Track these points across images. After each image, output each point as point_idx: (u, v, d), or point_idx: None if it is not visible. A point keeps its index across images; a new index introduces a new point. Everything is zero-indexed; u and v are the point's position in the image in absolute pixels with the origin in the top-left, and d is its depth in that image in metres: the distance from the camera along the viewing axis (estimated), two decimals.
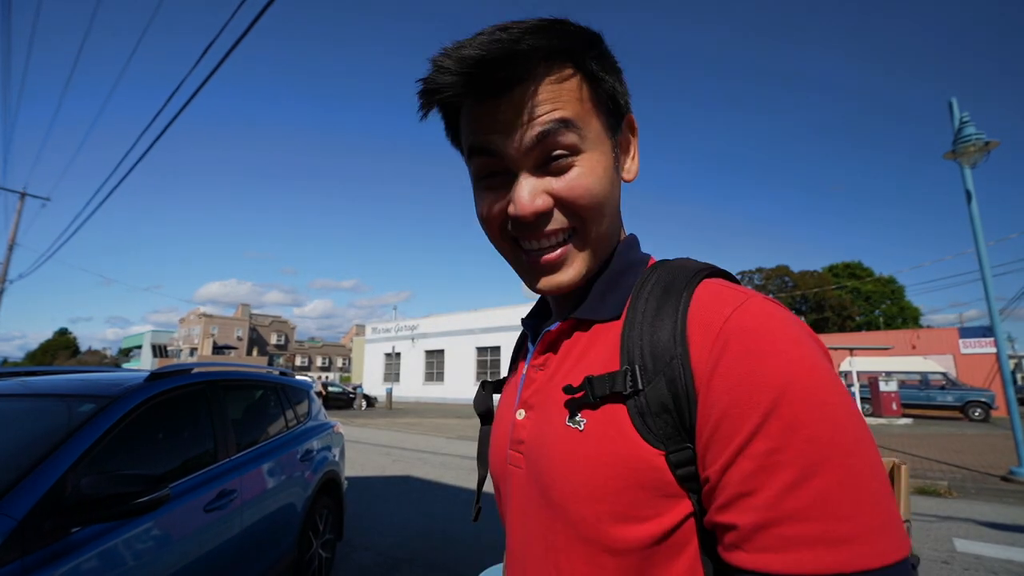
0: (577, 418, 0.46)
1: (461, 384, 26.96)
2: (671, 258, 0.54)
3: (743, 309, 0.41)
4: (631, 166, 0.54)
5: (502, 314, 25.86)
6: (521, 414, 0.54)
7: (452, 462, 8.03)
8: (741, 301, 0.42)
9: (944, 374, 16.45)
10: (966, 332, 20.79)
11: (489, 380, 0.71)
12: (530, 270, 0.51)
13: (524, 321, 0.64)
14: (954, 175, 7.20)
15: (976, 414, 15.23)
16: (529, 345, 0.62)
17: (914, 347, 21.13)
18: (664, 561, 0.41)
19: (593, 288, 0.52)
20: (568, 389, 0.47)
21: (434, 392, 28.26)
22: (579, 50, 0.46)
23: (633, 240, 0.58)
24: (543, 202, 0.47)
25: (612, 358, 0.47)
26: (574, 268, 0.50)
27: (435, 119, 0.52)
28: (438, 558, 3.77)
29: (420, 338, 29.66)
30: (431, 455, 8.81)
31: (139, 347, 63.94)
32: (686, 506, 0.40)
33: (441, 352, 28.60)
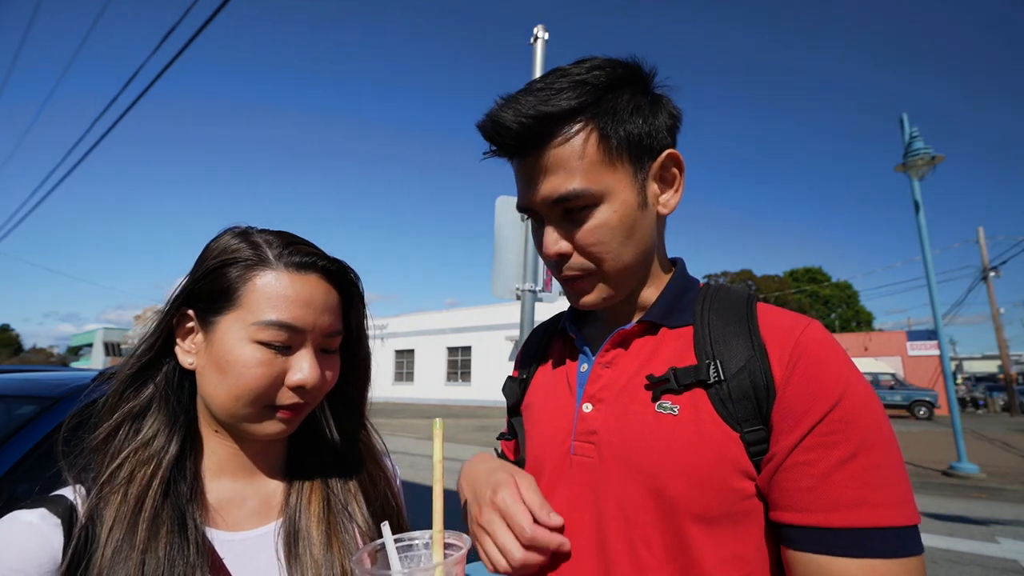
0: (665, 403, 0.53)
1: (431, 384, 26.74)
2: (711, 283, 0.66)
3: (810, 330, 0.52)
4: (671, 200, 0.61)
5: (473, 314, 25.76)
6: (588, 407, 0.59)
7: (422, 463, 7.95)
8: (806, 323, 0.53)
9: (893, 375, 17.39)
10: (913, 335, 22.04)
11: (514, 376, 0.78)
12: (568, 291, 0.62)
13: (570, 326, 0.70)
14: (904, 186, 7.62)
15: (921, 413, 16.17)
16: (581, 346, 0.67)
17: (866, 349, 22.24)
18: (741, 523, 0.49)
19: (660, 300, 0.62)
20: (652, 377, 0.55)
21: (403, 392, 27.92)
22: (592, 103, 0.53)
23: (683, 264, 0.68)
24: (560, 248, 0.57)
25: (687, 355, 0.56)
26: (596, 294, 0.60)
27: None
28: None
29: (389, 337, 29.22)
30: (401, 455, 8.70)
31: (90, 345, 60.64)
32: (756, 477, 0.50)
33: (411, 352, 28.29)
